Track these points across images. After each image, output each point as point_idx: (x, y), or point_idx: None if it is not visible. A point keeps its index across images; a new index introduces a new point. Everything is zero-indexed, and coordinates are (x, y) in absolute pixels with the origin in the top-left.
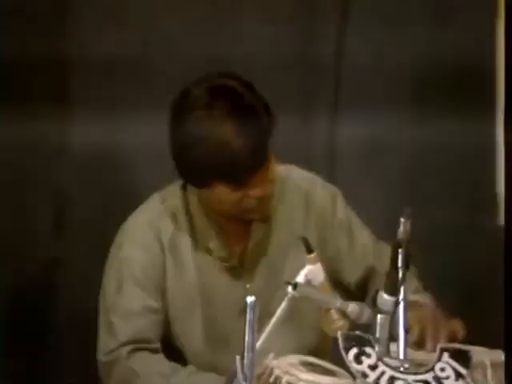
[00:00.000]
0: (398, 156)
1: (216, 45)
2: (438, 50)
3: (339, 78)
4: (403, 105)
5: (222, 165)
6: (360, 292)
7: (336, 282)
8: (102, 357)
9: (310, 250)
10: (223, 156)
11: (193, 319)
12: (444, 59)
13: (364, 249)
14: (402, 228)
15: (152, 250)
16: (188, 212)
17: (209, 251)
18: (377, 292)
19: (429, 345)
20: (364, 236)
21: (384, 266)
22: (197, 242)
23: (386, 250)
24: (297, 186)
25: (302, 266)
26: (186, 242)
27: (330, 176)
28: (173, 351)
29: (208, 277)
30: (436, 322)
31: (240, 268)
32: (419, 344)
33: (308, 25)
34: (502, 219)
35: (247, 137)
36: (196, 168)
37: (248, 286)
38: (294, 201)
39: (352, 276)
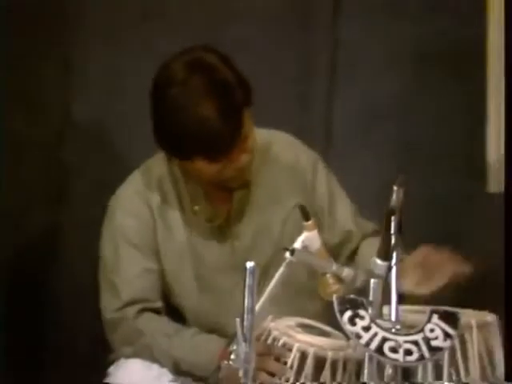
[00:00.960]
0: (394, 127)
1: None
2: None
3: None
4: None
5: (199, 140)
6: (335, 251)
7: None
8: (107, 315)
9: (307, 218)
10: (200, 131)
11: (185, 278)
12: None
13: (343, 214)
14: (394, 195)
15: (143, 216)
16: (173, 179)
17: (195, 213)
18: (352, 251)
19: (435, 284)
20: (343, 202)
21: (360, 231)
22: (183, 206)
23: (362, 220)
24: (280, 149)
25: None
26: (173, 206)
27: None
28: (173, 311)
29: (196, 237)
30: (439, 259)
31: (226, 227)
32: (422, 284)
33: None
34: (491, 187)
35: (223, 112)
36: (174, 142)
37: (236, 243)
38: (277, 163)
39: (330, 239)
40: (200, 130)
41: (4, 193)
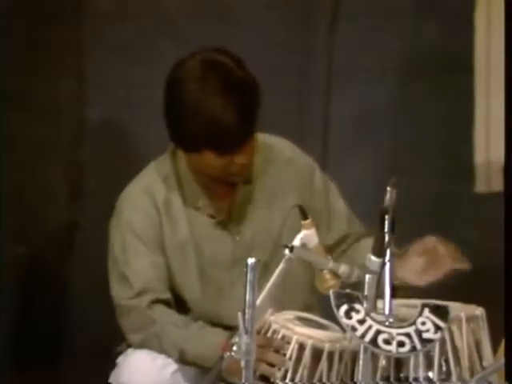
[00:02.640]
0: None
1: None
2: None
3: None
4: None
5: (212, 135)
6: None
7: None
8: (120, 301)
9: (305, 217)
10: (214, 128)
11: (189, 272)
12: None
13: (339, 215)
14: (388, 196)
15: (149, 212)
16: (178, 175)
17: (198, 209)
18: (344, 251)
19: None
20: (340, 203)
21: (354, 232)
22: (187, 202)
23: (356, 220)
24: (281, 152)
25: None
26: (177, 202)
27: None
28: (178, 303)
29: (199, 232)
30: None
31: (228, 223)
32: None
33: None
34: (478, 187)
35: (237, 111)
36: (187, 135)
37: (237, 238)
38: (278, 164)
39: (326, 239)
40: (215, 124)
41: (21, 192)
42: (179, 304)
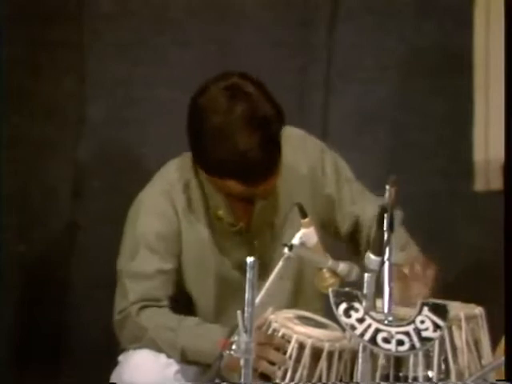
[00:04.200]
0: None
1: None
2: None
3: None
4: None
5: (237, 168)
6: (352, 244)
7: (336, 233)
8: (115, 316)
9: (304, 215)
10: (238, 162)
11: (206, 278)
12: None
13: (351, 199)
14: (387, 194)
15: (167, 216)
16: (199, 183)
17: (218, 217)
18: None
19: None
20: (351, 187)
21: (368, 215)
22: (208, 209)
23: (370, 198)
24: (291, 155)
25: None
26: (198, 209)
27: None
28: (184, 307)
29: (218, 238)
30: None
31: (246, 232)
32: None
33: None
34: (477, 186)
35: (262, 146)
36: (210, 164)
37: (256, 244)
38: (292, 171)
39: (342, 225)
40: (239, 160)
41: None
42: (185, 310)
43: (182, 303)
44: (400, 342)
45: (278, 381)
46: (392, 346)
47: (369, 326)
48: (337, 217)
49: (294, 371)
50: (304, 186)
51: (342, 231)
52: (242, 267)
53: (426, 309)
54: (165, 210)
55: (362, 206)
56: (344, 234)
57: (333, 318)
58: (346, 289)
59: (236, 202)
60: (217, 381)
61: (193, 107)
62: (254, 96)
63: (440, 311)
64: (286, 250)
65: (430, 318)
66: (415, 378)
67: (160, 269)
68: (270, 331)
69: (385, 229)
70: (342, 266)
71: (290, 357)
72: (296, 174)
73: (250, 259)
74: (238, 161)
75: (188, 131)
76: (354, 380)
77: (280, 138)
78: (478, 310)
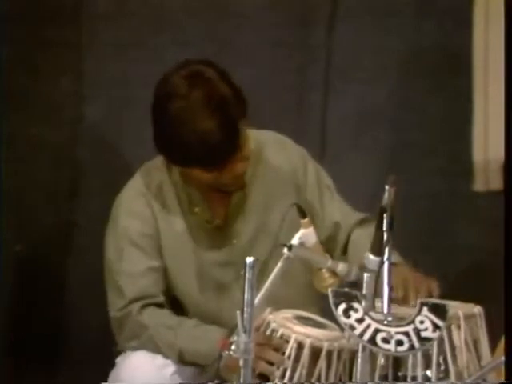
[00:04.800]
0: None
1: None
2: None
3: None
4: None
5: (196, 153)
6: (327, 245)
7: None
8: (113, 313)
9: (303, 215)
10: (198, 145)
11: (187, 275)
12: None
13: (331, 206)
14: (386, 194)
15: (145, 215)
16: (173, 182)
17: (195, 215)
18: (345, 244)
19: (412, 301)
20: (331, 194)
21: (347, 223)
22: (183, 208)
23: (348, 208)
24: (271, 151)
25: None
26: (173, 208)
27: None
28: (174, 304)
29: (196, 236)
30: (416, 280)
31: (225, 227)
32: (403, 300)
33: None
34: (477, 186)
35: (221, 127)
36: (174, 153)
37: (235, 241)
38: (270, 165)
39: (322, 232)
40: (198, 143)
41: (20, 191)
42: (177, 306)
43: (168, 301)
44: (399, 342)
45: (276, 381)
46: (391, 346)
47: (368, 326)
48: (317, 221)
49: (293, 371)
50: (287, 188)
51: (320, 235)
52: (221, 265)
53: (425, 309)
54: (142, 211)
55: (341, 212)
56: (321, 239)
57: (332, 318)
58: (345, 289)
59: (212, 196)
60: (216, 381)
61: (155, 97)
62: (213, 80)
63: (439, 311)
64: (285, 250)
65: (429, 318)
66: (414, 378)
67: (150, 266)
68: (268, 331)
69: (384, 229)
70: (341, 266)
71: (289, 356)
72: (277, 175)
73: (249, 259)
74: (198, 142)
75: (152, 122)
76: (353, 380)
77: (241, 124)
78: (477, 309)
